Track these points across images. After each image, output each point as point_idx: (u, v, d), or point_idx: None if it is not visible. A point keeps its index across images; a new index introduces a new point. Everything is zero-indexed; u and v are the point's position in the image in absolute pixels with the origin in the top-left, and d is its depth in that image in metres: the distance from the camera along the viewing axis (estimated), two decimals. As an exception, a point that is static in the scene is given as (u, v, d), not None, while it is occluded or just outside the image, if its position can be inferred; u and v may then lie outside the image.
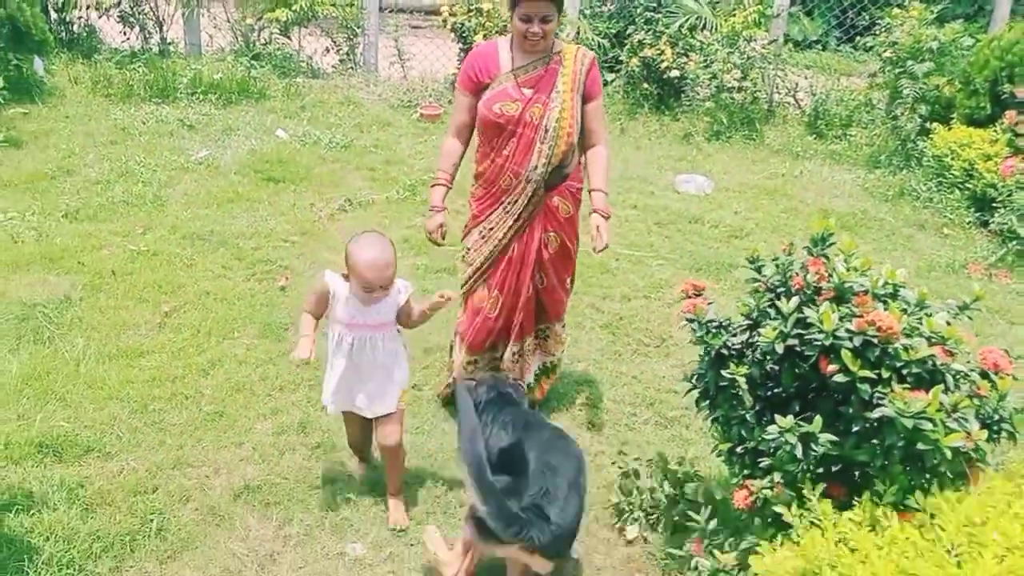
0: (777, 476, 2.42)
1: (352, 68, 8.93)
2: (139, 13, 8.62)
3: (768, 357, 2.50)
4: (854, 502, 2.27)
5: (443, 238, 3.53)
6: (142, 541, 2.93)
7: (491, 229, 3.49)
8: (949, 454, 2.20)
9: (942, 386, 2.25)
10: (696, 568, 2.46)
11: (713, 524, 2.70)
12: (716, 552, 2.44)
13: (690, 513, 2.72)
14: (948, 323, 2.44)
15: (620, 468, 3.28)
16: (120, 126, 6.98)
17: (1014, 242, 5.68)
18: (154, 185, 5.92)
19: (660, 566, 2.96)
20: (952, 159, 6.58)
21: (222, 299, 4.56)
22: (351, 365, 3.01)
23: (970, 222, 6.21)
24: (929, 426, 2.17)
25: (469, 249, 3.58)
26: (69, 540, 2.82)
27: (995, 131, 6.53)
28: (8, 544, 2.76)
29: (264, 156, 6.56)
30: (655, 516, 3.14)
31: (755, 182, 6.95)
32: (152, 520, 3.00)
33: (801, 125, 8.22)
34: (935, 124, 7.04)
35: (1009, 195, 5.94)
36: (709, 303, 2.70)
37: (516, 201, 3.42)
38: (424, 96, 8.40)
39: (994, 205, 6.05)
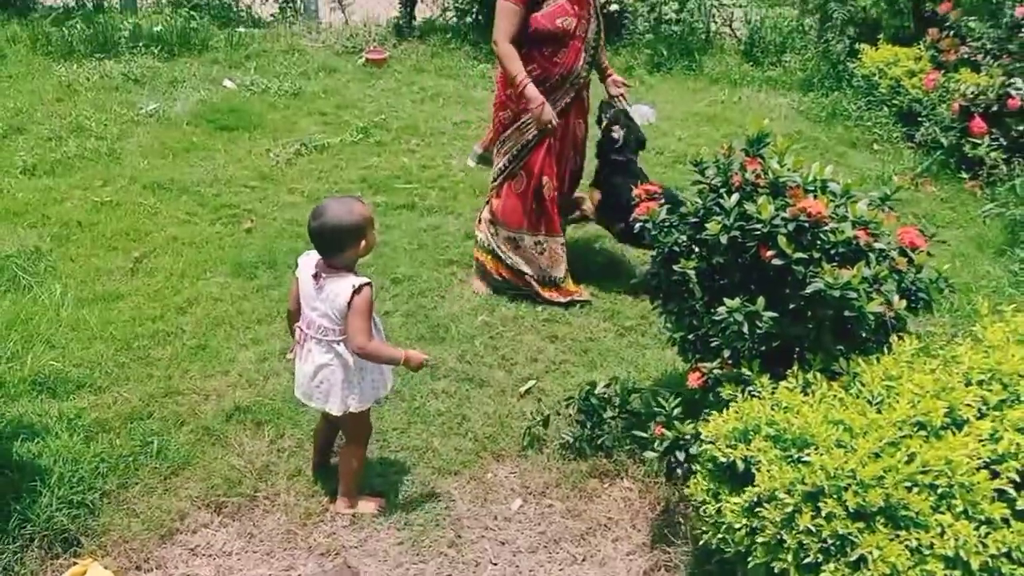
0: (726, 354, 2.70)
1: (293, 16, 8.93)
2: (71, -32, 8.50)
3: (715, 250, 2.77)
4: (787, 373, 2.57)
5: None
6: (144, 461, 3.13)
7: (529, 124, 4.06)
8: (872, 320, 2.51)
9: (864, 262, 2.54)
10: (659, 440, 2.75)
11: (678, 410, 2.97)
12: (676, 423, 2.73)
13: (659, 398, 2.95)
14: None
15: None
16: (65, 83, 6.96)
17: (938, 152, 6.05)
18: (107, 139, 5.96)
19: (624, 451, 3.24)
20: (880, 78, 6.92)
21: (190, 243, 4.70)
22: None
23: (898, 136, 6.57)
24: (854, 296, 2.47)
25: (505, 142, 4.17)
26: (75, 462, 3.01)
27: (919, 49, 6.87)
28: (19, 468, 2.93)
29: (215, 106, 6.61)
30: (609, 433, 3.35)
31: (696, 109, 7.21)
32: (151, 442, 3.20)
33: (738, 54, 8.49)
34: (863, 45, 7.36)
35: (932, 109, 6.30)
36: (661, 205, 2.96)
37: (562, 98, 4.07)
38: (368, 41, 8.46)
39: (919, 119, 6.41)
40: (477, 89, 7.57)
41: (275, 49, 8.13)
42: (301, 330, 2.79)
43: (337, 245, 2.68)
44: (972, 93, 5.97)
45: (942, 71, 6.51)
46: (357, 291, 2.66)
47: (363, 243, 2.71)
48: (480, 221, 4.42)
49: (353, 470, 2.97)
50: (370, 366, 2.80)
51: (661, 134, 6.64)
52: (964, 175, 5.81)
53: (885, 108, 6.79)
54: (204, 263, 4.51)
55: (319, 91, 7.21)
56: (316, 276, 2.71)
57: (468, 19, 8.72)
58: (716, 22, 8.74)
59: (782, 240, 2.57)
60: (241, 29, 8.42)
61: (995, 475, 2.16)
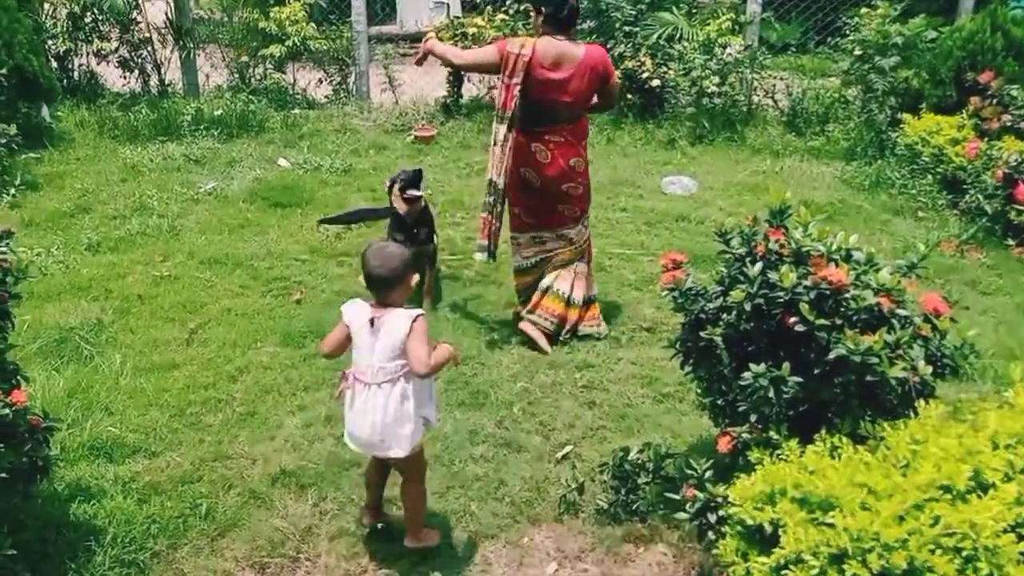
0: (754, 418, 2.79)
1: (345, 97, 9.38)
2: (138, 57, 9.08)
3: (740, 317, 2.88)
4: (816, 438, 2.64)
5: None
6: (193, 522, 3.29)
7: None
8: (895, 385, 2.58)
9: (886, 328, 2.63)
10: (691, 502, 2.82)
11: (709, 472, 3.04)
12: (708, 486, 2.80)
13: (691, 462, 3.02)
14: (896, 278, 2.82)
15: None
16: (129, 164, 7.41)
17: (982, 219, 6.08)
18: (168, 217, 6.32)
19: (658, 516, 3.30)
20: (923, 146, 6.99)
21: (243, 314, 4.96)
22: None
23: (942, 204, 6.61)
24: (876, 361, 2.55)
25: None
26: (128, 523, 3.19)
27: (962, 117, 6.95)
28: (75, 528, 3.12)
29: (269, 184, 6.97)
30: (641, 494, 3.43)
31: (738, 180, 7.36)
32: (200, 505, 3.37)
33: (780, 124, 8.64)
34: (905, 114, 7.46)
35: (977, 176, 6.35)
36: (687, 274, 3.09)
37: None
38: (416, 119, 8.83)
39: (964, 187, 6.45)
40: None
41: (328, 129, 8.54)
42: (354, 378, 2.95)
43: (396, 282, 2.93)
44: (1016, 160, 6.01)
45: (985, 139, 6.57)
46: (414, 320, 2.89)
47: (411, 280, 2.98)
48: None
49: (420, 507, 3.15)
50: (425, 393, 2.99)
51: (703, 204, 6.80)
52: (1010, 241, 5.81)
53: (929, 176, 6.85)
54: (255, 333, 4.75)
55: (369, 168, 7.55)
56: (372, 321, 2.91)
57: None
58: (758, 94, 8.94)
59: (804, 307, 2.67)
60: (296, 111, 8.88)
61: (1021, 538, 2.19)
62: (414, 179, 4.99)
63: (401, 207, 4.97)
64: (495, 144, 4.43)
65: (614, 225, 6.34)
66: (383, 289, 2.95)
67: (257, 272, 5.52)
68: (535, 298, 4.70)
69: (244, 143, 8.05)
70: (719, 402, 3.00)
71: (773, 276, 2.78)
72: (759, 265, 2.84)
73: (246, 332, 4.76)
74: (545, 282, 4.69)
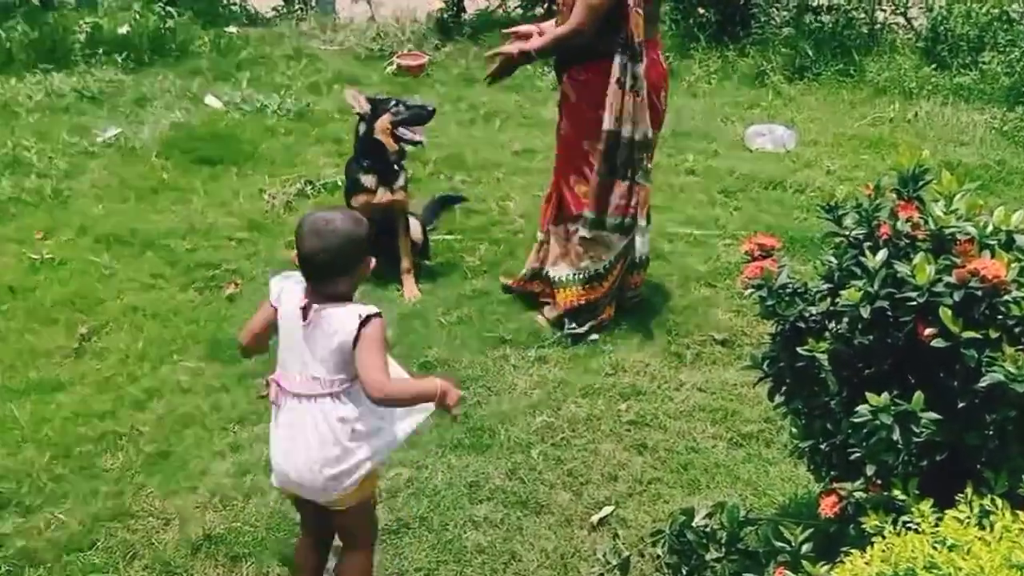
0: (871, 470, 2.76)
1: (302, 10, 9.39)
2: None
3: (854, 326, 2.85)
4: (958, 498, 2.61)
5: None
6: (82, 607, 3.31)
7: None
8: (1076, 426, 2.55)
9: (1064, 344, 2.59)
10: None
11: (807, 546, 3.01)
12: (805, 564, 2.78)
13: (781, 530, 3.00)
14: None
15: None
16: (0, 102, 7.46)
17: None
18: (52, 177, 6.38)
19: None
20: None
21: (155, 315, 5.00)
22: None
23: None
24: (1049, 392, 2.51)
25: None
26: (-8, 608, 3.20)
27: None
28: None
29: (193, 132, 7.03)
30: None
31: (854, 131, 7.36)
32: (93, 582, 3.38)
33: (915, 53, 8.59)
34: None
35: None
36: (781, 265, 3.06)
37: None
38: (400, 42, 8.84)
39: None
40: (548, 106, 7.80)
41: (276, 54, 8.58)
42: (279, 388, 2.93)
43: (343, 267, 2.88)
44: None
45: None
46: (364, 322, 2.81)
47: (368, 263, 2.95)
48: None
49: None
50: (387, 420, 2.96)
51: (803, 165, 6.81)
52: None
53: None
54: (171, 341, 4.77)
55: (333, 110, 7.60)
56: (306, 310, 2.86)
57: (538, 9, 9.03)
58: (884, 9, 8.88)
59: (946, 314, 2.63)
60: (232, 29, 8.92)
61: None
62: (421, 117, 5.19)
63: (391, 144, 5.18)
64: (624, 87, 4.62)
65: (677, 194, 6.35)
66: (323, 278, 2.87)
67: (175, 256, 5.54)
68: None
69: (159, 74, 8.10)
70: (822, 447, 2.96)
71: (902, 269, 2.74)
72: (883, 254, 2.81)
73: (158, 340, 4.78)
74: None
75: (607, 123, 4.63)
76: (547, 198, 5.14)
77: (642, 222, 4.84)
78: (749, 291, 3.06)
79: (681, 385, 4.56)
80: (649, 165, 4.80)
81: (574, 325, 4.89)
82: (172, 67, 8.25)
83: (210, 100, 7.66)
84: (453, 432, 4.16)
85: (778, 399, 3.14)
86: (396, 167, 5.25)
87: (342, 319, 2.83)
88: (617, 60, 4.59)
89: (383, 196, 5.18)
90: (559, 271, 4.97)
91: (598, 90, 4.65)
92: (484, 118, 7.70)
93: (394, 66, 8.46)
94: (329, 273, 2.86)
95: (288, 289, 2.94)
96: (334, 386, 2.86)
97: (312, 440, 2.87)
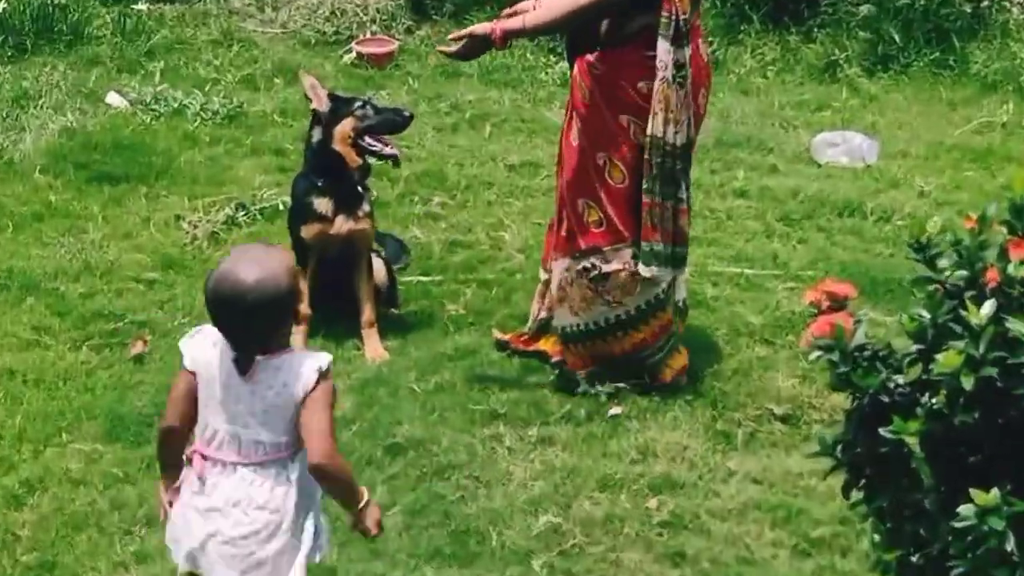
0: (978, 591, 2.77)
1: (232, -19, 9.40)
2: None
3: (953, 401, 2.86)
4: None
5: None
6: None
7: None
8: None
9: None
10: None
11: None
12: None
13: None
14: None
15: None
16: None
17: None
18: (-98, 199, 6.38)
19: None
20: None
21: (37, 381, 5.00)
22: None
23: None
24: None
25: None
26: None
27: None
28: None
29: (90, 140, 7.03)
30: None
31: (954, 140, 7.38)
32: None
33: (1034, 40, 8.63)
34: None
35: None
36: (858, 320, 3.07)
37: None
38: (362, 24, 8.84)
39: None
40: (555, 105, 7.84)
41: (199, 39, 8.60)
42: (205, 458, 3.11)
43: (280, 319, 3.09)
44: None
45: None
46: (324, 373, 3.04)
47: (300, 310, 3.24)
48: None
49: None
50: (316, 503, 3.18)
51: (888, 184, 6.85)
52: None
53: None
54: (59, 416, 4.77)
55: (273, 112, 7.60)
56: (241, 363, 3.05)
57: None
58: (994, -16, 8.92)
59: (1073, 385, 2.66)
60: (142, 6, 8.89)
61: None
62: (395, 124, 5.28)
63: (353, 159, 5.20)
64: (667, 80, 4.66)
65: (723, 222, 6.37)
66: (249, 345, 3.07)
67: (66, 303, 5.55)
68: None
69: (46, 64, 8.10)
70: (913, 558, 2.96)
71: (1016, 327, 2.77)
72: (989, 306, 2.83)
73: (42, 414, 4.79)
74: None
75: (654, 127, 4.65)
76: (551, 225, 5.19)
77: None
78: (815, 354, 3.07)
79: (730, 475, 4.55)
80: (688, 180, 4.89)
81: (596, 387, 4.96)
82: (62, 56, 8.21)
83: (112, 99, 7.64)
84: (430, 536, 4.16)
85: (855, 495, 3.13)
86: (359, 188, 5.27)
87: (294, 370, 3.04)
88: (662, 45, 4.60)
89: (342, 226, 5.18)
90: (562, 319, 5.04)
91: (623, 85, 4.71)
92: (470, 122, 7.68)
93: (353, 54, 8.42)
94: (255, 341, 3.06)
95: (200, 345, 3.14)
96: (280, 450, 3.08)
97: (254, 517, 3.06)
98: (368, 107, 5.23)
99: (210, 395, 3.09)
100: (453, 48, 4.96)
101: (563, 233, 5.00)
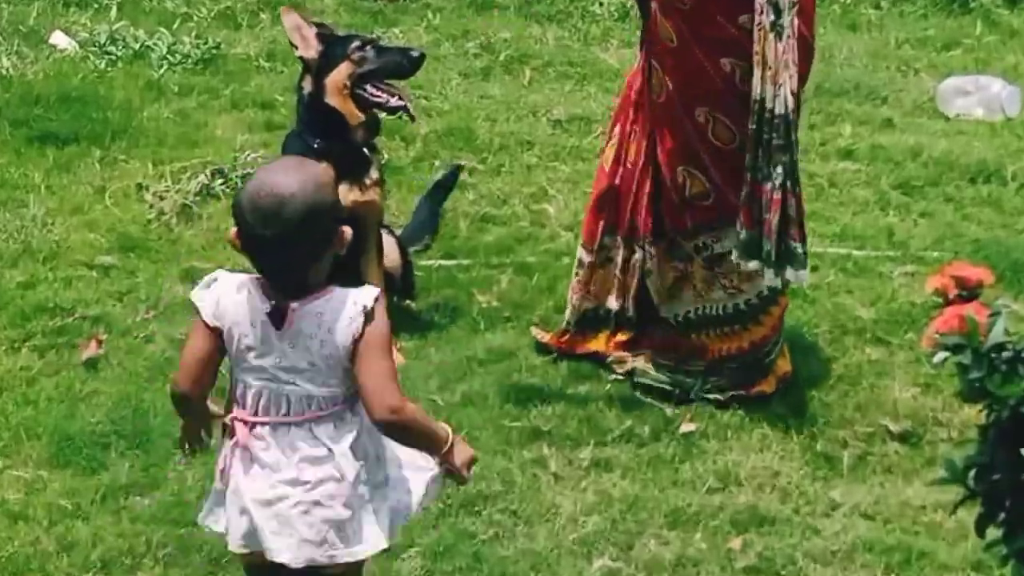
0: None
1: None
2: None
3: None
4: None
5: None
6: None
7: None
8: None
9: None
10: None
11: None
12: None
13: None
14: None
15: None
16: None
17: None
18: None
19: None
20: None
21: (-32, 392, 4.89)
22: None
23: None
24: None
25: None
26: None
27: None
28: None
29: (30, 90, 7.01)
30: None
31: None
32: None
33: None
34: None
35: None
36: (995, 313, 2.90)
37: None
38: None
39: None
40: (610, 43, 7.80)
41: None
42: (247, 425, 3.20)
43: (324, 238, 3.18)
44: None
45: None
46: (370, 313, 3.11)
47: (343, 236, 3.23)
48: None
49: None
50: (398, 457, 3.34)
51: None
52: None
53: None
54: (-8, 437, 4.66)
55: (258, 55, 7.58)
56: (275, 313, 3.13)
57: None
58: None
59: None
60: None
61: None
62: (401, 68, 5.15)
63: (353, 113, 5.09)
64: (764, 26, 4.58)
65: (824, 190, 6.31)
66: (287, 272, 3.16)
67: (1, 295, 5.46)
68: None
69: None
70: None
71: None
72: None
73: (-26, 433, 4.67)
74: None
75: (760, 88, 4.57)
76: (602, 194, 5.09)
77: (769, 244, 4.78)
78: (941, 356, 2.91)
79: (833, 508, 4.43)
80: (796, 156, 4.76)
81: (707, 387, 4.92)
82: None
83: (58, 39, 7.62)
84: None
85: (991, 533, 3.01)
86: (364, 150, 5.16)
87: (336, 313, 3.13)
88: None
89: (344, 197, 4.99)
90: (678, 307, 5.03)
91: (720, 22, 4.66)
92: (505, 66, 7.64)
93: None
94: (299, 269, 3.16)
95: (223, 292, 3.20)
96: (336, 403, 3.20)
97: (315, 478, 3.17)
98: (368, 48, 5.13)
99: (243, 351, 3.18)
100: None
101: (648, 215, 4.97)
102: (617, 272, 5.05)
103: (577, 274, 5.18)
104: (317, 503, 3.17)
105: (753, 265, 4.70)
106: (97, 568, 4.13)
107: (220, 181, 6.28)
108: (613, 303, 5.09)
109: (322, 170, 3.31)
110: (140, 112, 6.88)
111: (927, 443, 4.70)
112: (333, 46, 5.10)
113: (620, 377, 5.04)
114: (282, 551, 3.18)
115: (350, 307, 3.13)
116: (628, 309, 5.08)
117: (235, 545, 3.31)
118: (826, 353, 5.18)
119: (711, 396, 4.87)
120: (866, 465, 4.63)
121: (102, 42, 7.57)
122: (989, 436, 2.91)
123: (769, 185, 4.63)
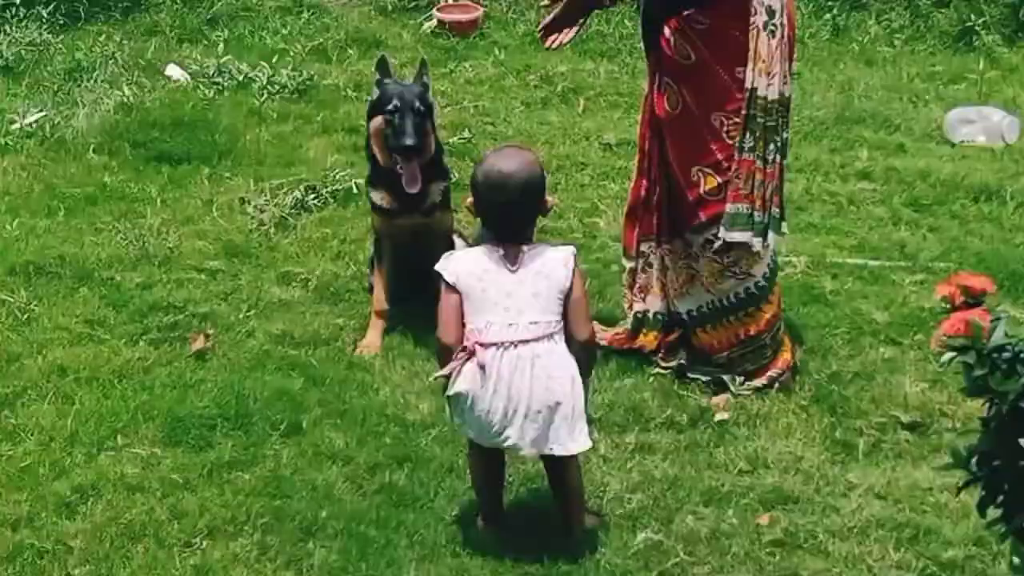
0: None
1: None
2: None
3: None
4: None
5: None
6: None
7: None
8: None
9: None
10: None
11: None
12: None
13: None
14: None
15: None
16: None
17: None
18: (-53, 179, 6.48)
19: None
20: None
21: (91, 380, 5.05)
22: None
23: None
24: None
25: None
26: None
27: None
28: None
29: (148, 116, 7.12)
30: None
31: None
32: None
33: None
34: None
35: None
36: (997, 317, 3.00)
37: None
38: (444, -13, 8.88)
39: None
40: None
41: (266, 6, 8.68)
42: (485, 347, 3.92)
43: (538, 203, 4.11)
44: None
45: None
46: (572, 261, 4.06)
47: (549, 202, 4.21)
48: None
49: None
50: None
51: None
52: None
53: None
54: (114, 418, 4.81)
55: (347, 85, 7.66)
56: (508, 257, 4.01)
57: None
58: None
59: None
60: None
61: None
62: (404, 108, 5.10)
63: (382, 157, 5.23)
64: (758, 26, 4.72)
65: (843, 208, 6.36)
66: (521, 221, 4.09)
67: (121, 295, 5.62)
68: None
69: (101, 33, 8.20)
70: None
71: None
72: None
73: (96, 415, 4.82)
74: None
75: (752, 79, 4.72)
76: (633, 205, 5.28)
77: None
78: (948, 356, 3.01)
79: (850, 489, 4.52)
80: (787, 135, 4.93)
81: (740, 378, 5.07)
82: (119, 25, 8.32)
83: (172, 72, 7.73)
84: (515, 553, 4.17)
85: (992, 513, 3.09)
86: (425, 177, 5.17)
87: (554, 259, 4.04)
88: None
89: (405, 220, 5.23)
90: (689, 302, 5.12)
91: (736, 36, 4.72)
92: (562, 96, 7.72)
93: (434, 22, 8.45)
94: (523, 225, 4.09)
95: (460, 260, 4.07)
96: (551, 327, 3.97)
97: (551, 380, 3.95)
98: (383, 93, 5.22)
99: (481, 298, 3.97)
100: (549, 17, 5.09)
101: (662, 216, 5.08)
102: (657, 274, 5.13)
103: (626, 281, 5.29)
104: (555, 404, 3.93)
105: (737, 235, 4.81)
106: (204, 534, 4.22)
107: (312, 196, 6.44)
108: (659, 304, 5.15)
109: (531, 153, 4.16)
110: (243, 135, 7.03)
111: (934, 432, 4.78)
112: (380, 96, 5.24)
113: (663, 372, 5.12)
114: (547, 447, 3.99)
115: (564, 258, 4.02)
116: (674, 305, 5.13)
117: (485, 441, 4.03)
118: (845, 352, 5.27)
119: (748, 388, 4.98)
120: (880, 451, 4.72)
121: (211, 74, 7.72)
122: (990, 427, 3.01)
123: (761, 162, 4.76)
